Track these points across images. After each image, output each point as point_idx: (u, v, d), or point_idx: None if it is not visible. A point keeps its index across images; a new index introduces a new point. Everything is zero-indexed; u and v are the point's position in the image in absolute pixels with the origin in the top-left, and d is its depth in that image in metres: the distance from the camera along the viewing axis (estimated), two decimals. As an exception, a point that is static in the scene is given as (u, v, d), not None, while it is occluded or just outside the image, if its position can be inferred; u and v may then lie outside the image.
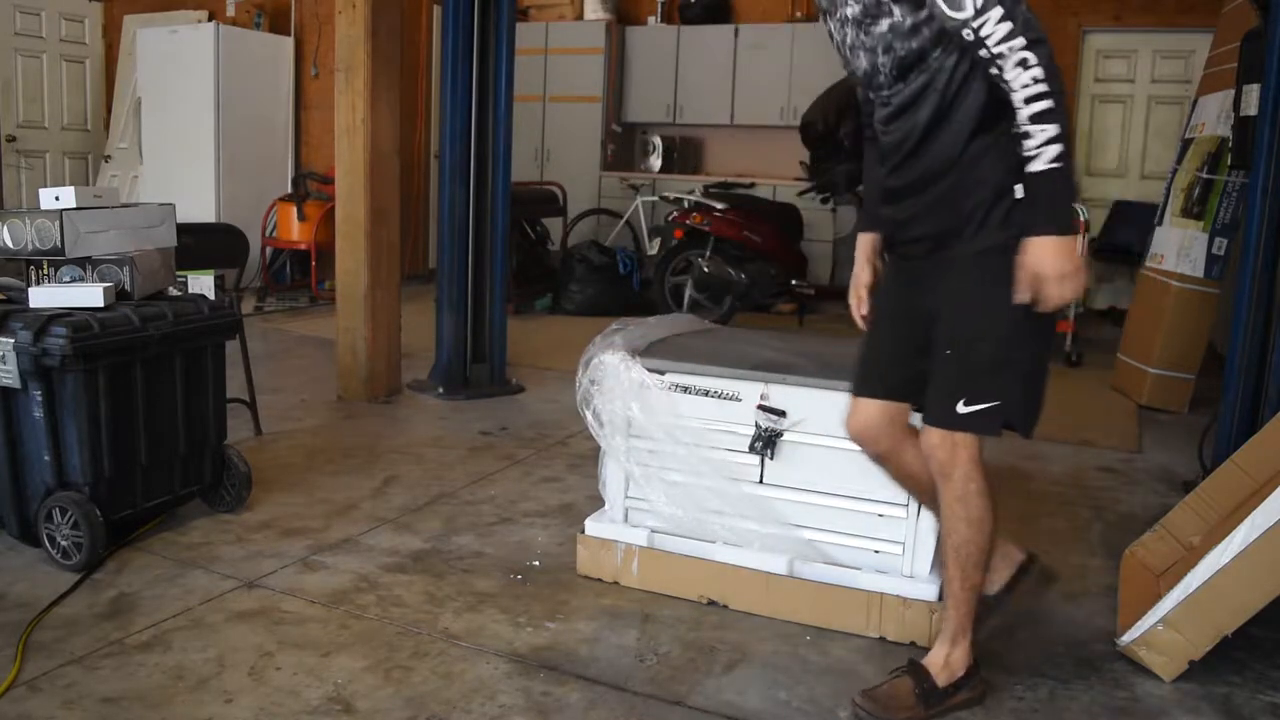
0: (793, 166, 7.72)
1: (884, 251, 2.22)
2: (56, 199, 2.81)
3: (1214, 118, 4.90)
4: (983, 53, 1.80)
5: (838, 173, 6.92)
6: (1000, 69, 1.79)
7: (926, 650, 2.32)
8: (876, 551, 2.43)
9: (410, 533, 2.99)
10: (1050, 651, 2.37)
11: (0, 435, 2.63)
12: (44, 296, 2.66)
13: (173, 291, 3.02)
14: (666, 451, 2.60)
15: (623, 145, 8.87)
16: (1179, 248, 4.91)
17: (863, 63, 1.99)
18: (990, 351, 1.93)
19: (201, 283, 3.31)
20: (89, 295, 2.67)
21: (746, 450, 2.50)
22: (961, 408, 1.93)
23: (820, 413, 2.42)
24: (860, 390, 2.16)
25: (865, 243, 2.26)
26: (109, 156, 8.45)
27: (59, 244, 2.77)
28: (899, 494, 2.39)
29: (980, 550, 2.01)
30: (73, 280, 2.81)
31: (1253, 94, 3.66)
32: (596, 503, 2.79)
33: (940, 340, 1.98)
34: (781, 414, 2.46)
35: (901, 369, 2.09)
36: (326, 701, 2.05)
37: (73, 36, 8.54)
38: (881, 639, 2.38)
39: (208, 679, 2.11)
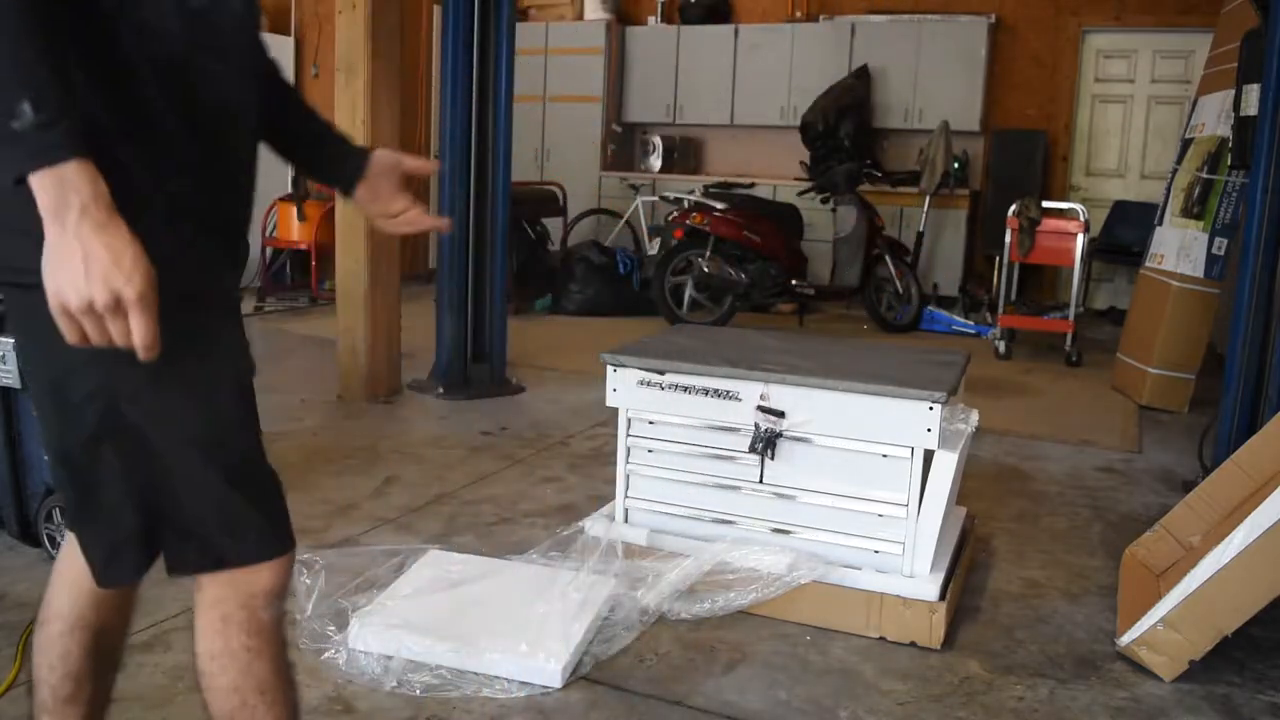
0: (793, 166, 7.72)
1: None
2: (56, 199, 2.80)
3: (1214, 118, 4.90)
4: None
5: (838, 173, 6.93)
6: None
7: (926, 650, 2.33)
8: (876, 551, 2.43)
9: (411, 533, 2.98)
10: (1050, 651, 2.37)
11: (0, 435, 2.63)
12: (44, 296, 2.66)
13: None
14: (666, 451, 2.61)
15: (623, 145, 8.87)
16: (1179, 248, 4.91)
17: None
18: None
19: (201, 283, 3.30)
20: (89, 295, 2.67)
21: (746, 450, 2.50)
22: None
23: (820, 413, 2.42)
24: None
25: None
26: (109, 156, 8.45)
27: (59, 244, 2.77)
28: (899, 494, 2.39)
29: None
30: (73, 280, 2.80)
31: (1253, 94, 3.66)
32: (596, 503, 2.79)
33: None
34: (781, 414, 2.46)
35: None
36: (326, 701, 2.05)
37: (73, 36, 8.54)
38: (881, 639, 2.38)
39: (208, 679, 2.11)
